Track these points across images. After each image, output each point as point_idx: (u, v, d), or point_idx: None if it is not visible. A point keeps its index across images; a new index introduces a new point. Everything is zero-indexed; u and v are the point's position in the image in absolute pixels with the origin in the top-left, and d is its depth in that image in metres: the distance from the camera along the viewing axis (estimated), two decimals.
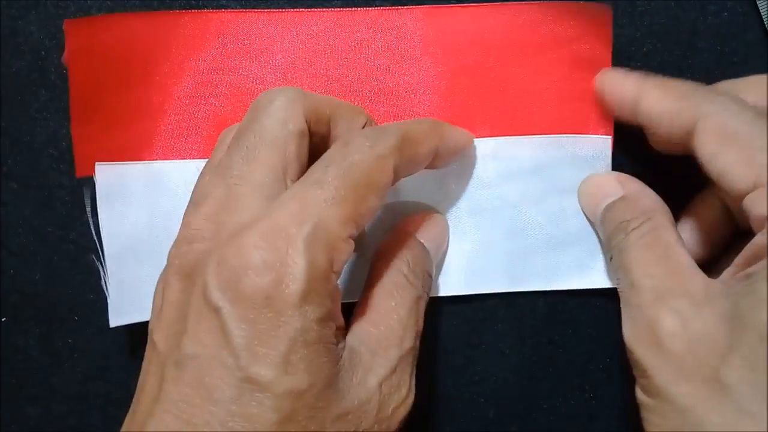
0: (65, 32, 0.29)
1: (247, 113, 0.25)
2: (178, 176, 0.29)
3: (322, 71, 0.29)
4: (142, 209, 0.29)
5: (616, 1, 0.29)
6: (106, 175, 0.29)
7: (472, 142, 0.29)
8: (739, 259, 0.23)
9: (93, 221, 0.29)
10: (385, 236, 0.28)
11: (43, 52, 0.30)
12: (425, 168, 0.27)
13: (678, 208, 0.29)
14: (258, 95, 0.25)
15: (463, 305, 0.31)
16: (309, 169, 0.23)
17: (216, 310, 0.21)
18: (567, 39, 0.29)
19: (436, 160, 0.26)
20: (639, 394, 0.24)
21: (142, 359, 0.32)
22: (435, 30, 0.29)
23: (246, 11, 0.30)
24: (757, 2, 0.29)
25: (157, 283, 0.24)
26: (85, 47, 0.29)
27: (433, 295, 0.29)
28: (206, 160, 0.27)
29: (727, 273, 0.23)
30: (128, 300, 0.29)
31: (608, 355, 0.31)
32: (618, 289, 0.26)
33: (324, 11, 0.30)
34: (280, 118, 0.23)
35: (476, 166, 0.30)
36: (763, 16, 0.29)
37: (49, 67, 0.30)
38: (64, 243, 0.31)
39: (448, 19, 0.29)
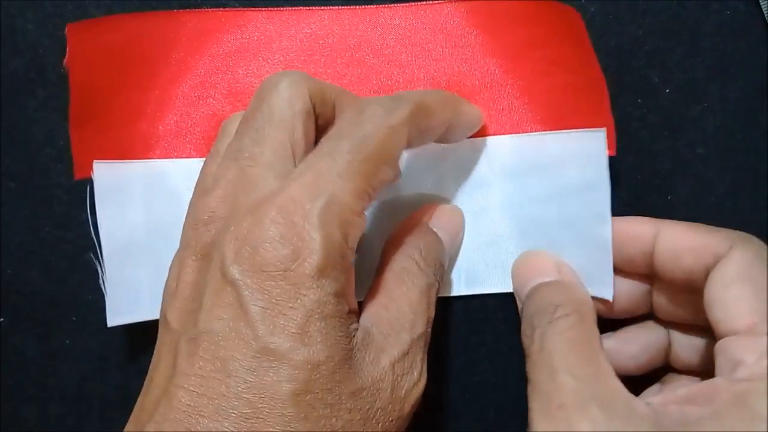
0: (67, 36, 0.29)
1: (253, 98, 0.25)
2: (177, 175, 0.29)
3: (321, 70, 0.29)
4: (140, 208, 0.29)
5: (618, 0, 0.29)
6: (105, 174, 0.29)
7: (483, 120, 0.29)
8: (683, 392, 0.22)
9: (92, 220, 0.29)
10: (383, 237, 0.28)
11: (40, 51, 0.30)
12: (435, 141, 0.27)
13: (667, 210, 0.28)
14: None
15: (463, 305, 0.31)
16: (323, 138, 0.23)
17: (233, 283, 0.21)
18: (565, 35, 0.29)
19: (448, 133, 0.27)
20: None
21: (141, 360, 0.31)
22: (435, 26, 0.29)
23: (245, 10, 0.29)
24: (760, 1, 0.29)
25: (171, 267, 0.24)
26: (86, 50, 0.29)
27: None
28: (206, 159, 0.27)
29: (660, 398, 0.22)
30: (126, 300, 0.29)
31: None
32: (528, 373, 0.24)
33: (323, 9, 0.29)
34: (286, 98, 0.24)
35: (475, 165, 0.29)
36: (766, 15, 0.29)
37: (47, 65, 0.30)
38: (62, 243, 0.31)
39: (448, 14, 0.29)
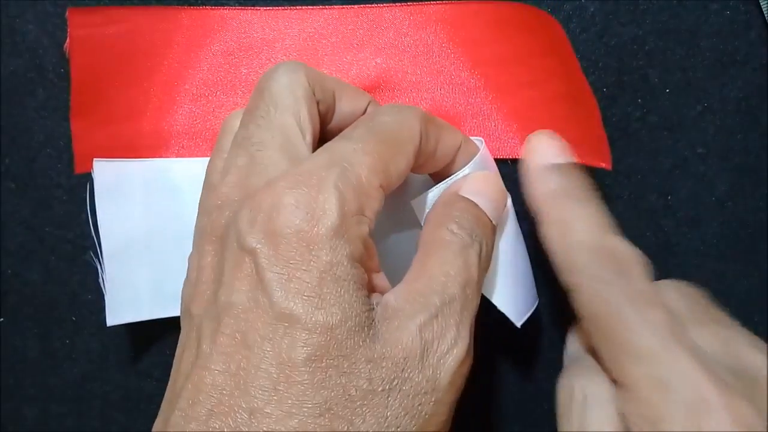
0: (68, 20, 0.29)
1: (253, 93, 0.25)
2: (178, 174, 0.29)
3: (322, 69, 0.29)
4: (141, 207, 0.29)
5: (618, 0, 0.29)
6: (105, 172, 0.29)
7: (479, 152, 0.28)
8: None
9: (92, 219, 0.29)
10: (389, 248, 0.28)
11: (40, 51, 0.30)
12: (437, 174, 0.26)
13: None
14: None
15: None
16: (343, 131, 0.23)
17: (251, 252, 0.20)
18: (567, 39, 0.29)
19: (453, 166, 0.26)
20: None
21: (141, 360, 0.31)
22: (436, 27, 0.29)
23: (247, 9, 0.29)
24: (760, 1, 0.29)
25: (189, 260, 0.24)
26: (87, 37, 0.29)
27: None
28: (206, 158, 0.27)
29: None
30: (125, 299, 0.29)
31: None
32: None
33: (325, 9, 0.29)
34: (286, 85, 0.24)
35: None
36: (766, 15, 0.29)
37: (46, 65, 0.30)
38: (62, 243, 0.31)
39: (450, 16, 0.29)
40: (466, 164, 0.26)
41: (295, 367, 0.19)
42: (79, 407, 0.32)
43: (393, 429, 0.20)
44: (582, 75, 0.29)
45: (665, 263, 0.31)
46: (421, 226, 0.25)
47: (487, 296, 0.27)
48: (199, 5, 0.30)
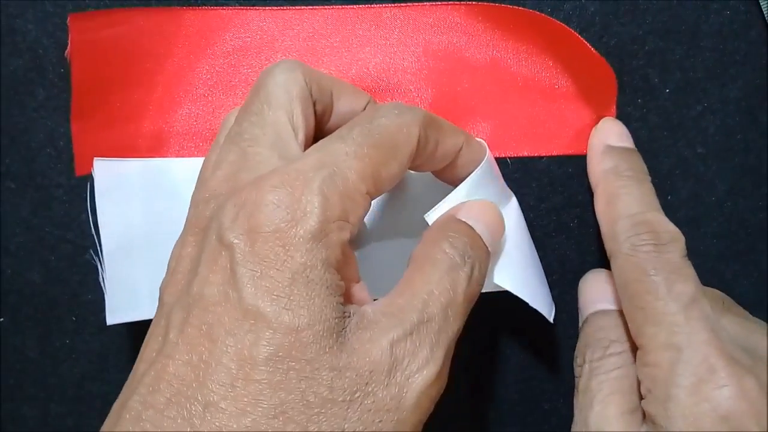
0: (69, 26, 0.29)
1: (250, 90, 0.25)
2: (178, 173, 0.29)
3: (323, 69, 0.29)
4: (141, 206, 0.29)
5: (618, 0, 0.29)
6: (105, 171, 0.29)
7: (485, 158, 0.27)
8: None
9: (92, 218, 0.29)
10: (384, 252, 0.28)
11: (40, 51, 0.30)
12: (438, 171, 0.26)
13: None
14: None
15: None
16: (337, 130, 0.23)
17: (228, 246, 0.20)
18: (569, 42, 0.29)
19: (454, 166, 0.26)
20: None
21: None
22: (438, 27, 0.29)
23: (248, 9, 0.29)
24: (760, 1, 0.29)
25: (172, 249, 0.24)
26: (88, 41, 0.29)
27: None
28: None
29: None
30: (125, 298, 0.29)
31: None
32: (574, 406, 0.27)
33: (325, 9, 0.29)
34: (282, 84, 0.24)
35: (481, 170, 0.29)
36: (765, 15, 0.29)
37: (47, 65, 0.30)
38: (62, 243, 0.31)
39: (451, 16, 0.29)
40: (469, 163, 0.26)
41: (255, 366, 0.19)
42: (79, 407, 0.32)
43: None
44: (594, 59, 0.29)
45: None
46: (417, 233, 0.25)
47: (518, 294, 0.27)
48: (199, 5, 0.30)
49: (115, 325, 0.29)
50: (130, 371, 0.28)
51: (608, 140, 0.28)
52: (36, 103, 0.31)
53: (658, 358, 0.24)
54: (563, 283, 0.31)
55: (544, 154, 0.30)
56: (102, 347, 0.32)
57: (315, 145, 0.23)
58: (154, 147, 0.30)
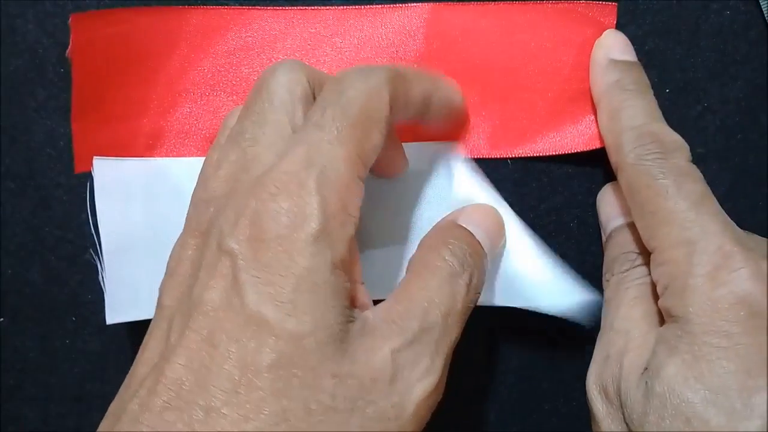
0: (71, 27, 0.29)
1: (252, 89, 0.25)
2: (178, 173, 0.29)
3: (325, 69, 0.29)
4: (141, 205, 0.29)
5: (618, 0, 0.29)
6: (105, 170, 0.29)
7: (462, 99, 0.29)
8: None
9: (92, 217, 0.29)
10: (382, 250, 0.28)
11: (41, 51, 0.30)
12: (422, 123, 0.26)
13: None
14: None
15: None
16: (308, 113, 0.23)
17: (229, 254, 0.20)
18: (569, 41, 0.29)
19: (430, 112, 0.26)
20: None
21: None
22: (438, 27, 0.29)
23: (250, 8, 0.29)
24: (760, 1, 0.29)
25: (172, 250, 0.24)
26: (89, 41, 0.29)
27: None
28: None
29: None
30: (125, 298, 0.29)
31: None
32: (602, 312, 0.27)
33: (327, 9, 0.29)
34: (284, 84, 0.24)
35: (478, 172, 0.29)
36: (765, 15, 0.29)
37: (47, 65, 0.30)
38: (62, 243, 0.31)
39: (451, 16, 0.29)
40: (443, 106, 0.27)
41: (258, 372, 0.19)
42: (80, 408, 0.32)
43: None
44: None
45: None
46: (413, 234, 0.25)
47: (537, 309, 0.28)
48: (200, 5, 0.30)
49: (114, 324, 0.29)
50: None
51: (611, 54, 0.28)
52: (36, 103, 0.31)
53: (673, 255, 0.23)
54: None
55: (544, 154, 0.30)
56: (102, 347, 0.32)
57: (294, 136, 0.22)
58: (155, 146, 0.30)
